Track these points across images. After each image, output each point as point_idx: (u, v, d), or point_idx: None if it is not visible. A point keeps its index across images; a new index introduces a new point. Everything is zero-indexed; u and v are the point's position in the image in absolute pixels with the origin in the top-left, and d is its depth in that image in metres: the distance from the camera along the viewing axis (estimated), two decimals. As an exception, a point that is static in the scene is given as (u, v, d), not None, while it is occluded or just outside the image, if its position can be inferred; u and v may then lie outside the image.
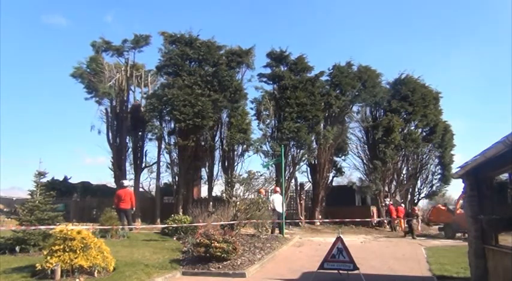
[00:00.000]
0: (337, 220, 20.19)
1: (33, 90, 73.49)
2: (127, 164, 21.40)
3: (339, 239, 8.17)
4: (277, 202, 15.42)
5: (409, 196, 25.93)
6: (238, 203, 14.81)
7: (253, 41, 73.25)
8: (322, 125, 21.49)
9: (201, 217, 13.35)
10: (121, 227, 13.85)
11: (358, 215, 20.70)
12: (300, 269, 9.45)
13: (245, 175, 17.32)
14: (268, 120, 21.59)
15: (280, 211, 15.33)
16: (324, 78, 22.62)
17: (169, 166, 21.69)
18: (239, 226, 13.77)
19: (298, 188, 22.81)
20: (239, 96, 20.64)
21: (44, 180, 11.72)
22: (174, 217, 15.11)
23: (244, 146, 20.79)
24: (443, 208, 19.94)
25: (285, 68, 22.40)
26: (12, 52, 65.56)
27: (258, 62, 22.10)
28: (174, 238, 13.59)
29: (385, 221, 21.25)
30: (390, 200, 22.14)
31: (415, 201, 26.33)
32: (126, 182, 16.25)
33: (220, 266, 9.57)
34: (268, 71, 22.40)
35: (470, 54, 79.12)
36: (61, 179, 24.74)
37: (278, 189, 16.25)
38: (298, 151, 21.59)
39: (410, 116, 24.18)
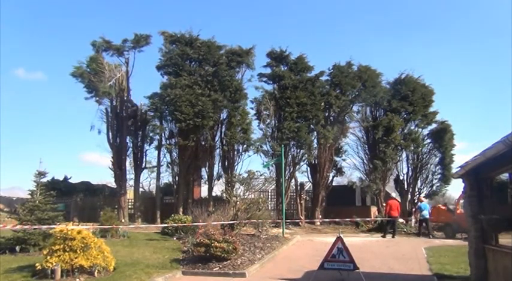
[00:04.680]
0: (337, 219, 20.18)
1: (33, 90, 73.48)
2: (127, 164, 21.40)
3: (339, 239, 8.16)
4: None
5: (409, 196, 25.88)
6: (238, 203, 14.84)
7: (253, 41, 73.14)
8: (322, 125, 21.46)
9: (201, 217, 13.37)
10: (120, 227, 13.88)
11: (358, 215, 20.68)
12: (300, 269, 9.45)
13: (245, 175, 17.37)
14: (269, 120, 21.58)
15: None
16: (324, 78, 22.63)
17: (169, 165, 21.72)
18: (239, 225, 13.79)
19: (298, 188, 22.79)
20: (239, 96, 20.64)
21: (44, 180, 11.76)
22: (174, 217, 15.15)
23: (245, 146, 20.80)
24: (443, 207, 19.91)
25: (285, 68, 22.39)
26: (11, 51, 65.59)
27: (258, 61, 22.12)
28: (174, 238, 13.61)
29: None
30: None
31: (415, 201, 26.29)
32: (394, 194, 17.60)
33: (221, 266, 9.59)
34: (268, 70, 22.41)
35: (470, 53, 79.11)
36: (61, 179, 24.73)
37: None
38: (298, 150, 21.59)
39: (411, 116, 24.16)
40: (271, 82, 22.41)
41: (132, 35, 20.82)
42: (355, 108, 23.86)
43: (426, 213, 17.42)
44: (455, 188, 52.55)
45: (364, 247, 13.32)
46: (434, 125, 25.40)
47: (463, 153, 63.18)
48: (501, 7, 70.09)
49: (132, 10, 76.78)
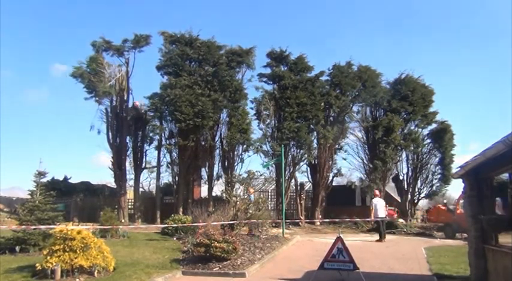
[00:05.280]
0: (337, 219, 20.17)
1: (33, 90, 73.50)
2: (127, 164, 21.39)
3: (339, 239, 8.16)
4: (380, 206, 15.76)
5: (409, 196, 25.89)
6: (238, 203, 14.83)
7: (253, 41, 73.48)
8: (322, 125, 21.47)
9: (201, 217, 13.37)
10: (120, 227, 13.88)
11: (358, 215, 20.67)
12: (300, 269, 9.45)
13: (245, 175, 17.36)
14: (268, 120, 21.58)
15: (382, 216, 15.53)
16: (324, 78, 22.63)
17: (169, 165, 21.71)
18: (239, 225, 13.78)
19: (298, 188, 22.80)
20: (239, 96, 20.65)
21: (44, 180, 11.75)
22: (174, 217, 15.14)
23: (244, 146, 20.79)
24: (443, 207, 19.90)
25: (285, 68, 22.39)
26: (11, 50, 65.57)
27: (258, 62, 22.12)
28: (174, 238, 13.61)
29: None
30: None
31: (415, 201, 26.29)
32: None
33: (221, 266, 9.58)
34: (268, 71, 22.41)
35: (470, 53, 79.15)
36: (61, 179, 24.71)
37: (378, 192, 17.00)
38: (298, 150, 21.59)
39: (410, 116, 24.16)
40: (271, 82, 22.42)
41: (132, 35, 20.86)
42: (355, 108, 23.89)
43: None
44: (455, 188, 52.63)
45: (364, 247, 13.32)
46: (434, 125, 25.43)
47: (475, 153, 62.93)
48: (502, 8, 70.15)
49: (132, 10, 76.85)
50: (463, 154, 66.06)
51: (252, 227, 14.15)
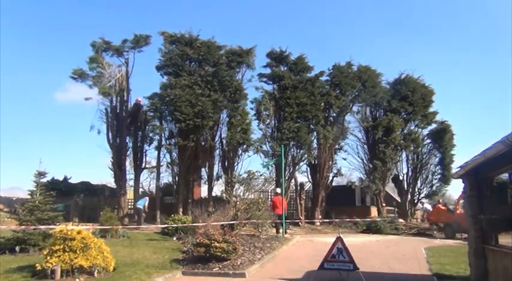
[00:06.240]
0: (337, 219, 20.18)
1: (33, 89, 73.46)
2: (127, 164, 21.38)
3: (339, 239, 8.16)
4: None
5: (409, 196, 25.88)
6: (238, 203, 14.83)
7: (253, 41, 73.31)
8: (322, 125, 21.46)
9: (201, 217, 13.37)
10: (120, 227, 13.86)
11: (358, 215, 20.68)
12: (300, 269, 9.45)
13: (245, 175, 17.35)
14: (268, 120, 21.57)
15: None
16: (323, 78, 22.63)
17: (169, 165, 21.69)
18: (239, 226, 13.78)
19: (298, 188, 22.79)
20: (239, 96, 20.63)
21: (44, 180, 11.74)
22: (174, 217, 15.14)
23: (244, 146, 20.76)
24: (443, 208, 19.90)
25: (285, 68, 22.38)
26: (11, 51, 65.55)
27: (258, 62, 22.12)
28: (174, 238, 13.60)
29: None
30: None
31: (415, 201, 26.28)
32: (279, 190, 16.59)
33: (220, 266, 9.58)
34: (268, 71, 22.40)
35: (470, 52, 79.18)
36: (61, 179, 24.67)
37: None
38: (298, 151, 21.58)
39: (410, 116, 24.17)
40: (271, 82, 22.41)
41: (131, 36, 20.84)
42: (355, 108, 23.95)
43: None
44: (455, 188, 52.58)
45: (364, 247, 13.32)
46: (434, 125, 25.43)
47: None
48: (502, 8, 70.13)
49: (132, 10, 76.84)
50: (463, 154, 66.09)
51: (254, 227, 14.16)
